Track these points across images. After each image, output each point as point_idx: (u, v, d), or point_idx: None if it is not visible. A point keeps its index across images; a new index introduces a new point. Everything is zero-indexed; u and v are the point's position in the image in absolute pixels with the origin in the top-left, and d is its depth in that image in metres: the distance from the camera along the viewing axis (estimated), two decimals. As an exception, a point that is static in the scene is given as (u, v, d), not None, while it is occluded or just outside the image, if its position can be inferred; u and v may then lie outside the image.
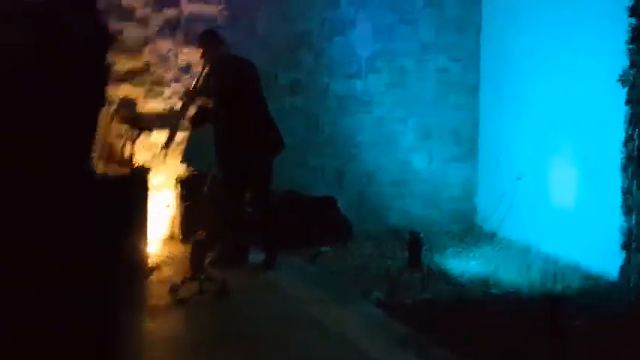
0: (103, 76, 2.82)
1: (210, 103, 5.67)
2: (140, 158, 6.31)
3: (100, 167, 5.84)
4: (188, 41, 6.50)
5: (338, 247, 6.43)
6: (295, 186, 6.62)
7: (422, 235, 6.15)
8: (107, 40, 2.90)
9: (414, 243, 6.04)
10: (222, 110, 5.59)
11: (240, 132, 5.62)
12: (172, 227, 6.54)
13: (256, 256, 5.90)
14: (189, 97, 5.84)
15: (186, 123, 5.89)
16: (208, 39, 5.85)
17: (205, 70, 5.76)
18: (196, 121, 5.69)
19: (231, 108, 5.60)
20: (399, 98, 7.09)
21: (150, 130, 5.96)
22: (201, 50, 5.85)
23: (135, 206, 5.51)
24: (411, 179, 7.18)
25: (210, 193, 5.72)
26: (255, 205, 5.93)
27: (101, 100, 2.78)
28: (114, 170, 5.76)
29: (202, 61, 5.81)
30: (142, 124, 5.72)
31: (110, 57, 2.73)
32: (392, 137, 7.11)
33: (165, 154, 5.92)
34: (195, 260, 5.32)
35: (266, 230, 5.91)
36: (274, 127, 5.81)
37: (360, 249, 6.44)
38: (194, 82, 5.81)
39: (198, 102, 5.76)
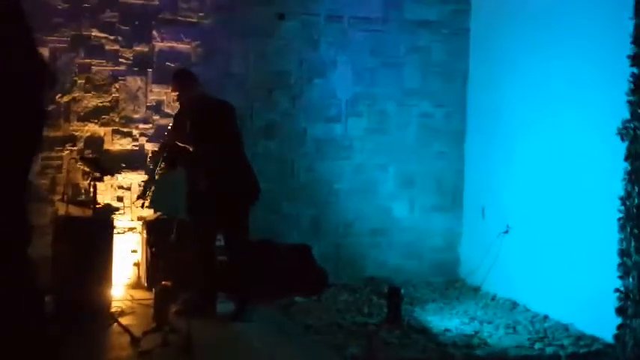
0: (37, 117, 2.56)
1: (184, 145, 5.36)
2: (107, 199, 6.14)
3: (62, 209, 5.63)
4: (159, 79, 6.27)
5: (313, 298, 6.14)
6: (269, 233, 6.33)
7: (401, 288, 5.83)
8: (44, 78, 2.63)
9: (394, 296, 5.70)
10: (198, 153, 5.30)
11: (217, 176, 5.34)
12: (138, 273, 6.24)
13: (225, 306, 5.59)
14: (166, 140, 5.54)
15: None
16: (182, 78, 5.57)
17: (180, 112, 5.50)
18: (168, 164, 5.43)
19: (207, 151, 5.31)
20: (380, 144, 6.89)
21: (112, 174, 5.69)
22: (173, 89, 5.58)
23: (98, 248, 5.43)
24: (391, 228, 6.96)
25: (177, 238, 5.45)
26: (228, 252, 5.62)
27: (35, 143, 2.52)
28: (77, 212, 5.48)
29: (177, 101, 5.56)
30: (104, 166, 5.43)
31: (47, 96, 2.52)
32: (371, 184, 6.89)
33: (143, 204, 5.66)
34: (159, 310, 5.03)
35: (237, 279, 5.59)
36: (251, 172, 5.56)
37: (335, 301, 6.16)
38: (170, 125, 5.54)
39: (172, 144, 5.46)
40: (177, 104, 5.63)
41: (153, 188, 5.53)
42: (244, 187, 5.51)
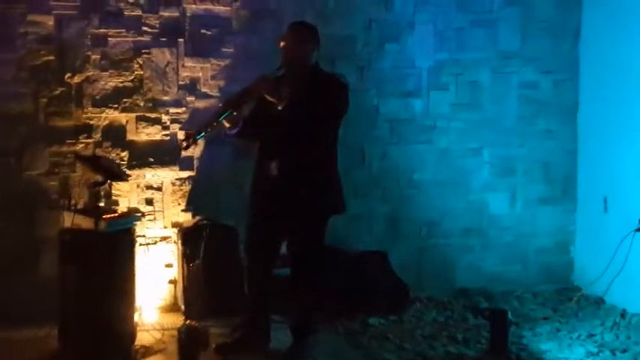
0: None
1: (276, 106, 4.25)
2: (133, 202, 5.27)
3: (68, 219, 4.72)
4: (193, 51, 5.36)
5: (390, 318, 5.33)
6: (334, 238, 5.24)
7: (507, 309, 4.88)
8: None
9: (498, 321, 4.74)
10: (294, 132, 4.25)
11: (305, 167, 4.33)
12: (174, 292, 5.34)
13: (281, 334, 4.65)
14: (254, 87, 4.32)
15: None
16: (312, 33, 4.43)
17: (301, 83, 4.33)
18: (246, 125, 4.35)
19: (312, 137, 4.31)
20: (471, 123, 6.01)
21: (121, 178, 4.76)
22: (292, 44, 4.35)
23: (113, 267, 4.60)
24: (487, 227, 6.15)
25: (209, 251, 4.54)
26: (295, 266, 4.56)
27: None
28: (88, 223, 4.56)
29: (288, 62, 4.34)
30: (109, 167, 4.48)
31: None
32: (461, 173, 6.03)
33: (187, 145, 4.51)
34: (185, 356, 4.13)
35: (301, 304, 4.59)
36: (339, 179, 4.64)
37: (420, 322, 5.33)
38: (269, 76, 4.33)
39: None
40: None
41: (205, 133, 4.42)
42: (334, 192, 4.52)
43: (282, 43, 4.40)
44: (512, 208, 6.19)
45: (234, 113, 4.30)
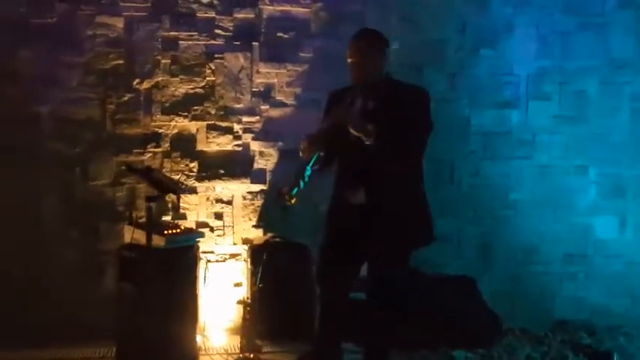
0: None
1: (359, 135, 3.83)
2: (201, 216, 5.06)
3: (128, 234, 4.51)
4: (269, 56, 5.09)
5: (478, 352, 4.91)
6: (418, 261, 4.85)
7: (613, 352, 4.40)
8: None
9: None
10: (377, 154, 3.82)
11: (389, 194, 3.94)
12: (243, 313, 5.08)
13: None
14: (335, 121, 3.91)
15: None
16: (382, 42, 4.00)
17: (377, 98, 3.91)
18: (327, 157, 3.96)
19: (415, 164, 4.00)
20: (576, 137, 5.59)
21: (175, 192, 4.50)
22: (361, 55, 3.91)
23: (173, 286, 4.40)
24: (592, 254, 5.70)
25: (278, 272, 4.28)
26: (372, 290, 4.12)
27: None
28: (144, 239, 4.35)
29: (359, 76, 3.93)
30: (162, 180, 4.22)
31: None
32: (564, 194, 5.61)
33: (286, 206, 4.23)
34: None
35: (375, 336, 4.17)
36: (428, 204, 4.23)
37: (511, 357, 4.85)
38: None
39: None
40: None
41: (301, 186, 4.01)
42: (423, 221, 4.12)
43: (350, 59, 3.93)
44: (622, 234, 5.72)
45: (321, 154, 3.89)
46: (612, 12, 5.60)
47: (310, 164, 3.92)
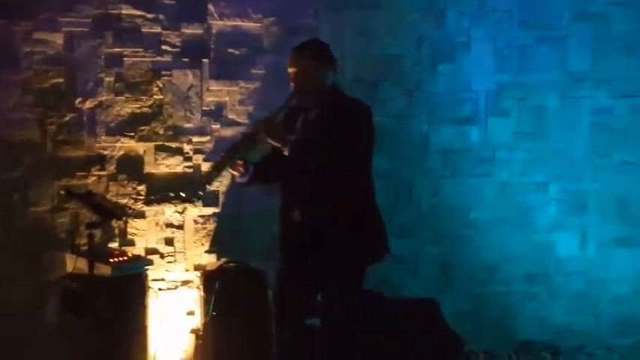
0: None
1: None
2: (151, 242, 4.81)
3: (70, 263, 4.25)
4: (219, 73, 4.90)
5: None
6: (375, 282, 4.70)
7: None
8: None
9: None
10: (321, 172, 3.67)
11: (360, 217, 3.79)
12: (197, 344, 4.78)
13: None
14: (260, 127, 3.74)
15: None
16: (324, 53, 3.83)
17: (314, 112, 3.78)
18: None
19: (355, 180, 3.78)
20: (536, 154, 5.49)
21: (117, 217, 4.26)
22: (301, 69, 3.76)
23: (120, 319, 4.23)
24: (554, 272, 5.62)
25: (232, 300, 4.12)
26: (325, 316, 3.94)
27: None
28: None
29: (299, 92, 3.79)
30: (103, 205, 4.00)
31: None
32: (524, 211, 5.52)
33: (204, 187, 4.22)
34: None
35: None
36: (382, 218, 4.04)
37: None
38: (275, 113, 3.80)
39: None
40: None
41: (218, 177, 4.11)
42: (372, 236, 3.91)
43: (290, 70, 3.79)
44: (583, 251, 5.65)
45: (239, 161, 3.76)
46: (569, 25, 5.53)
47: (217, 174, 3.87)
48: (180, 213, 4.51)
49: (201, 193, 4.15)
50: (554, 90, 5.53)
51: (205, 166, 4.86)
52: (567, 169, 5.58)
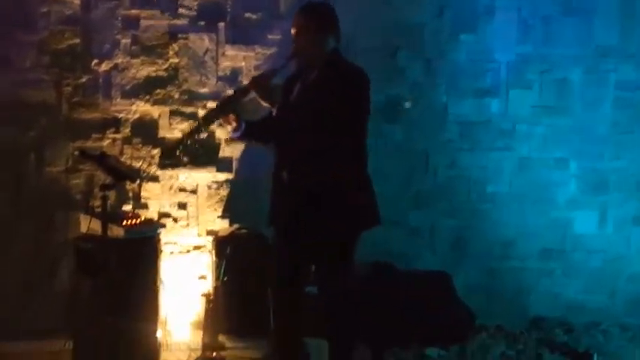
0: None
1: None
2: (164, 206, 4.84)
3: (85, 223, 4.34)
4: (235, 37, 4.87)
5: (451, 349, 4.76)
6: (389, 255, 4.99)
7: (593, 353, 4.32)
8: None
9: None
10: (316, 138, 3.64)
11: (347, 184, 3.73)
12: (208, 307, 4.85)
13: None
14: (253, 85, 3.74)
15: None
16: (327, 17, 3.76)
17: (312, 75, 3.72)
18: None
19: (359, 147, 3.77)
20: (557, 129, 5.40)
21: (132, 179, 4.22)
22: (300, 31, 3.74)
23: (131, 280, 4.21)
24: (570, 249, 5.56)
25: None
26: (320, 291, 3.91)
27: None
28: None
29: (296, 52, 3.76)
30: (117, 167, 3.99)
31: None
32: (543, 187, 5.46)
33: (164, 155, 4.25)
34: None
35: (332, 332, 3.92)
36: (372, 186, 3.96)
37: (485, 355, 4.77)
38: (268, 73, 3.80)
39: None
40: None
41: (188, 142, 3.96)
42: (360, 203, 3.82)
43: (292, 30, 3.77)
44: (602, 229, 5.58)
45: (232, 115, 3.72)
46: (596, -4, 5.45)
47: (204, 126, 3.84)
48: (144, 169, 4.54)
49: (186, 142, 4.13)
50: (579, 64, 5.45)
51: (220, 132, 4.81)
52: (589, 145, 5.50)
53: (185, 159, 4.73)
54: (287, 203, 3.75)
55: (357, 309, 4.02)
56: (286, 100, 3.80)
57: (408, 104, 5.02)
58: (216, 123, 3.90)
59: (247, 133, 3.85)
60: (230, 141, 4.36)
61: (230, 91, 4.24)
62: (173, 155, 4.16)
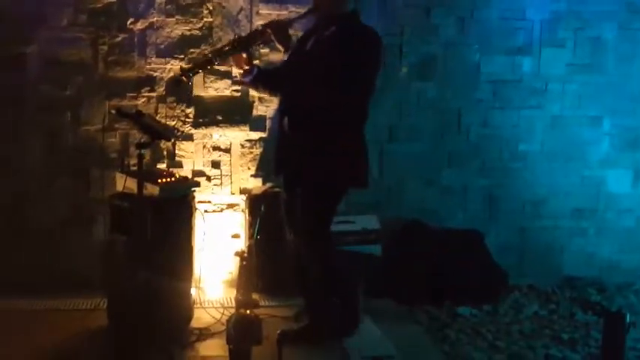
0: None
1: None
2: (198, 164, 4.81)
3: (120, 182, 4.30)
4: None
5: (483, 308, 4.70)
6: (421, 213, 4.95)
7: (626, 312, 4.07)
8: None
9: (614, 325, 4.00)
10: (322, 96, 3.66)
11: (340, 139, 3.72)
12: (241, 267, 4.89)
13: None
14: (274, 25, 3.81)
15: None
16: None
17: (327, 32, 3.72)
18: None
19: (360, 107, 3.73)
20: (590, 87, 5.26)
21: (167, 138, 4.15)
22: None
23: (167, 237, 4.16)
24: (603, 208, 5.44)
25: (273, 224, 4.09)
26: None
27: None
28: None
29: (315, 9, 3.79)
30: (152, 125, 3.93)
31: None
32: (576, 145, 5.31)
33: (175, 82, 4.22)
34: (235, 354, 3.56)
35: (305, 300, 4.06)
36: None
37: (519, 315, 4.69)
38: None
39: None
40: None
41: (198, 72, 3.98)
42: (350, 161, 3.81)
43: None
44: (635, 188, 5.45)
45: (244, 55, 3.78)
46: (631, -48, 5.25)
47: (219, 56, 3.81)
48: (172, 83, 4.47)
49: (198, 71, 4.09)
50: (613, 21, 5.29)
51: (253, 91, 4.69)
52: (622, 103, 5.35)
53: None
54: (285, 152, 3.81)
55: (328, 265, 3.98)
56: (299, 51, 3.82)
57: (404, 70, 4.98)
58: (230, 62, 3.92)
59: (258, 78, 3.88)
60: (239, 83, 4.32)
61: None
62: (181, 83, 4.07)
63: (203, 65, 3.81)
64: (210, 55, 3.84)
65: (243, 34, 3.93)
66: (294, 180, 3.77)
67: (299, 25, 3.99)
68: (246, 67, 3.82)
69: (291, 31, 3.80)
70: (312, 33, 3.80)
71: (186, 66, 3.99)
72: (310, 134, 3.65)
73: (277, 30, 3.71)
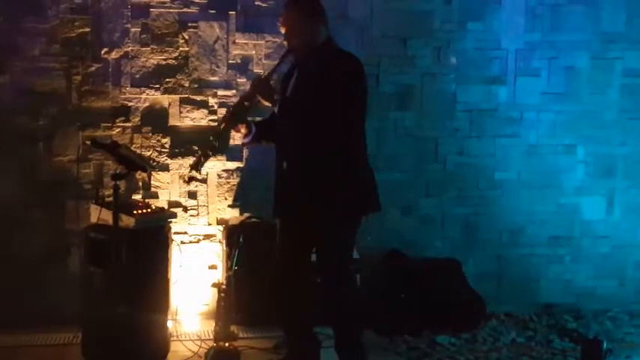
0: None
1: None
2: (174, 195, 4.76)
3: (95, 213, 4.23)
4: (246, 25, 4.80)
5: (462, 337, 4.71)
6: (400, 243, 4.99)
7: (602, 340, 4.18)
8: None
9: (591, 352, 4.06)
10: (310, 131, 3.62)
11: (344, 170, 3.70)
12: (219, 298, 4.81)
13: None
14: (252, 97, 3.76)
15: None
16: (310, 6, 3.74)
17: (309, 67, 3.69)
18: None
19: (327, 134, 3.65)
20: (565, 115, 5.33)
21: (143, 169, 4.13)
22: (289, 22, 3.72)
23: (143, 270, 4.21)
24: (579, 236, 5.48)
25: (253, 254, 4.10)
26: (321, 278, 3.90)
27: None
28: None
29: (290, 48, 3.76)
30: (128, 156, 3.91)
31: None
32: (551, 174, 5.37)
33: (191, 178, 4.04)
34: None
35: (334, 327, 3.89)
36: (373, 173, 3.92)
37: (497, 342, 4.69)
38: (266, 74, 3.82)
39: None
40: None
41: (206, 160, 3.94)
42: (359, 189, 3.78)
43: (281, 29, 3.74)
44: (610, 215, 5.50)
45: (240, 125, 3.76)
46: (603, -16, 5.36)
47: (220, 139, 3.78)
48: (186, 182, 4.30)
49: (204, 160, 4.07)
50: (586, 50, 5.34)
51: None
52: (596, 131, 5.40)
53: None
54: (289, 194, 3.73)
55: (358, 295, 4.06)
56: (284, 96, 3.77)
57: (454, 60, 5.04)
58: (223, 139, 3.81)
59: (259, 136, 3.85)
60: (242, 145, 4.31)
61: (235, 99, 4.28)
62: (194, 178, 4.05)
63: (205, 153, 3.76)
64: (212, 139, 3.76)
65: (233, 106, 3.87)
66: (307, 217, 3.67)
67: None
68: (245, 132, 3.77)
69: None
70: (291, 72, 3.75)
71: (192, 162, 3.88)
72: (319, 172, 3.59)
73: (262, 90, 3.66)
